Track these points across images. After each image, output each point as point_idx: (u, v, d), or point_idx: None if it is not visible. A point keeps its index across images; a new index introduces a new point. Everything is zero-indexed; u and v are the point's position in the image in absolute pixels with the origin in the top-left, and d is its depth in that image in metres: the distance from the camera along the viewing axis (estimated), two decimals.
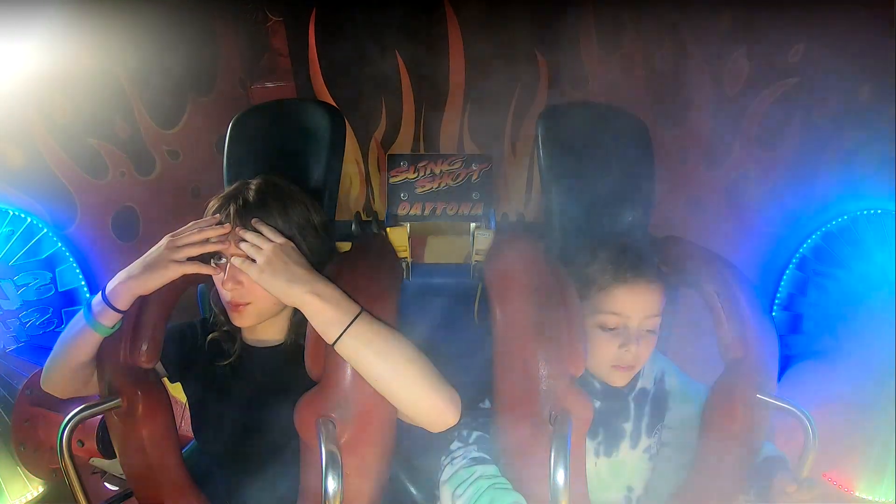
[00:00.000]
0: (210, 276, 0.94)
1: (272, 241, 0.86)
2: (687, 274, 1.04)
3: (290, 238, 0.92)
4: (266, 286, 0.84)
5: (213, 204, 0.96)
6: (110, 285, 0.92)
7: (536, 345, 0.86)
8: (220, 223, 0.92)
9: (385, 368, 0.82)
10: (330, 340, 0.82)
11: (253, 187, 0.95)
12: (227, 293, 0.92)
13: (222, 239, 0.91)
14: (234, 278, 0.90)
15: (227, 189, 0.98)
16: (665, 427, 1.06)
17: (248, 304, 0.91)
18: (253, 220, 0.89)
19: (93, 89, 1.68)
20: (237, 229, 0.89)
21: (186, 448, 1.14)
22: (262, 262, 0.84)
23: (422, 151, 1.99)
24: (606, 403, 1.01)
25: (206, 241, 0.91)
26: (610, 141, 1.18)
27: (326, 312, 0.82)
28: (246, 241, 0.87)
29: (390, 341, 0.83)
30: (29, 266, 1.68)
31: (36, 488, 1.61)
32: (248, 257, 0.87)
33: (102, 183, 1.77)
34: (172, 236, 0.92)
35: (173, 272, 0.91)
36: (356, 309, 0.83)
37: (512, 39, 1.79)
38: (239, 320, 0.94)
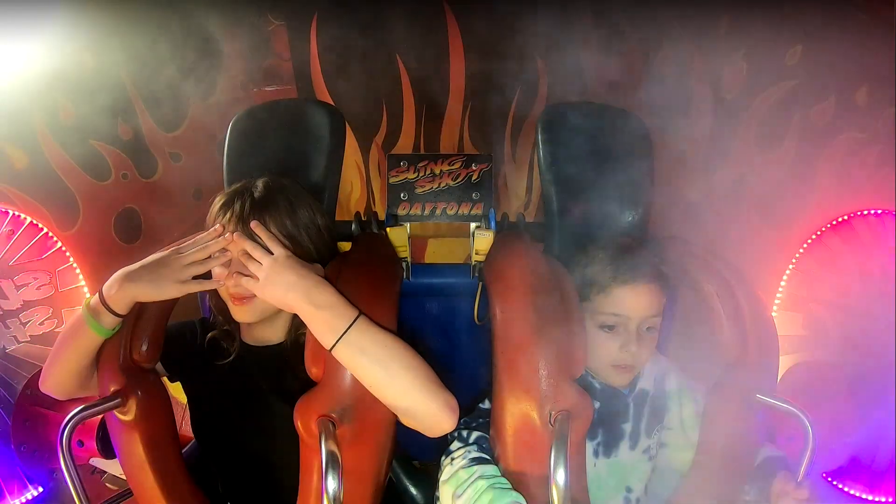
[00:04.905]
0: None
1: (270, 255, 0.87)
2: (687, 274, 1.04)
3: (294, 237, 0.92)
4: (265, 298, 0.86)
5: (219, 200, 0.96)
6: (109, 289, 0.90)
7: (536, 345, 0.86)
8: (222, 227, 0.93)
9: (381, 374, 0.82)
10: (326, 347, 0.82)
11: (259, 186, 0.96)
12: (230, 288, 0.92)
13: (224, 250, 0.92)
14: (237, 275, 0.90)
15: (234, 186, 0.98)
16: (665, 428, 1.06)
17: (251, 297, 0.92)
18: (252, 224, 0.90)
19: (95, 91, 1.69)
20: (236, 234, 0.90)
21: (186, 448, 1.14)
22: (263, 278, 0.86)
23: (422, 152, 1.99)
24: (606, 404, 1.01)
25: (210, 257, 0.92)
26: (610, 141, 1.18)
27: (321, 320, 0.82)
28: (247, 251, 0.88)
29: (386, 347, 0.83)
30: (29, 266, 1.68)
31: (36, 488, 1.62)
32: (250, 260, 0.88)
33: (104, 184, 1.78)
34: (178, 253, 0.91)
35: (176, 292, 0.91)
36: (352, 315, 0.83)
37: (512, 41, 1.80)
38: (241, 314, 0.94)
